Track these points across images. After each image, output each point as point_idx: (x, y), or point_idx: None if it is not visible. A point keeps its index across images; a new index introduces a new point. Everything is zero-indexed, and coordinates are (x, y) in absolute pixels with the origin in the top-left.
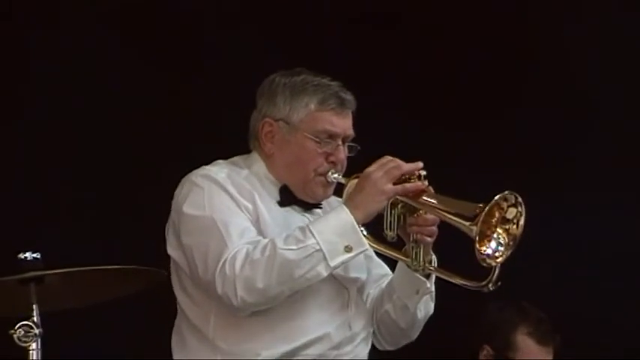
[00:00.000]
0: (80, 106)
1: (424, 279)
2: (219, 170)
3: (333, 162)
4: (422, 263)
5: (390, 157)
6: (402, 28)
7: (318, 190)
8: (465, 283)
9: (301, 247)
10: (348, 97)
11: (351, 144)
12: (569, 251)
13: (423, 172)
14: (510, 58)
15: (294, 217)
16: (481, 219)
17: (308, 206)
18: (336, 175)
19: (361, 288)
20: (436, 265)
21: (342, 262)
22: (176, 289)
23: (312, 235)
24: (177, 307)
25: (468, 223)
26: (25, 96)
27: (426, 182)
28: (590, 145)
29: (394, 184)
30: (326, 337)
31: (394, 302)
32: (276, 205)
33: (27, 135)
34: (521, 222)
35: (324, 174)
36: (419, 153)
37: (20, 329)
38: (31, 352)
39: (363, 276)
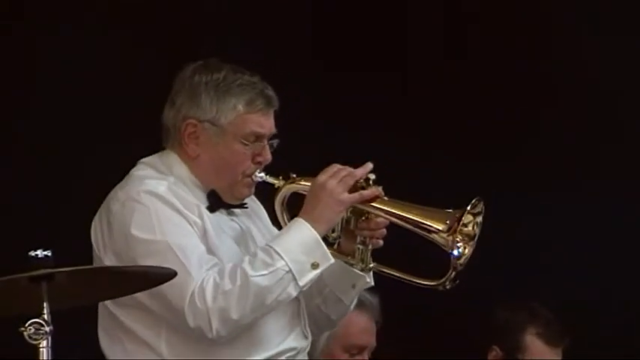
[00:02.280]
0: (87, 104)
1: (362, 274)
2: (157, 183)
3: (259, 162)
4: (368, 263)
5: (338, 166)
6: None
7: (244, 191)
8: (418, 281)
9: (272, 272)
10: (272, 93)
11: (271, 140)
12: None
13: (372, 176)
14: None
15: (225, 222)
16: (458, 229)
17: (231, 207)
18: (262, 175)
19: None
20: (373, 263)
21: (311, 280)
22: (111, 305)
23: (280, 256)
24: (110, 318)
25: (444, 235)
26: (35, 93)
27: (380, 188)
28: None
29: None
30: (290, 349)
31: (325, 296)
32: (207, 211)
33: (37, 132)
34: (475, 227)
35: (251, 175)
36: (417, 160)
37: (30, 327)
38: (41, 349)
39: None
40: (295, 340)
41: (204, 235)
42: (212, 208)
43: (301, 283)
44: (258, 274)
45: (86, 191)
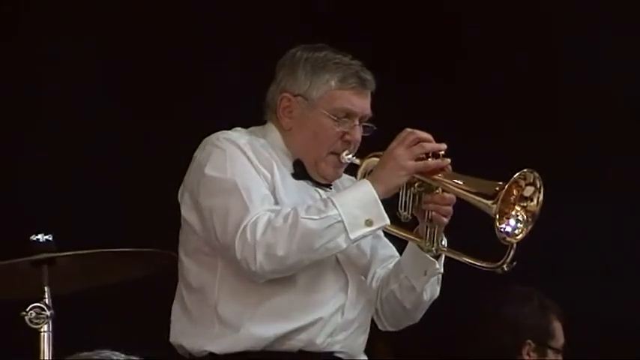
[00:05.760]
0: (90, 94)
1: (433, 260)
2: (240, 136)
3: (347, 141)
4: (435, 244)
5: (411, 132)
6: None
7: (329, 170)
8: (478, 263)
9: (323, 218)
10: (369, 77)
11: (367, 124)
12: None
13: (444, 148)
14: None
15: (308, 189)
16: (501, 197)
17: (316, 184)
18: (350, 156)
19: (365, 268)
20: (446, 246)
21: (363, 236)
22: (181, 253)
23: (335, 206)
24: (180, 276)
25: (488, 202)
26: (35, 83)
27: (448, 160)
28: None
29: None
30: (319, 321)
31: (401, 282)
32: (290, 177)
33: (39, 119)
34: (540, 198)
35: (338, 153)
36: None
37: (32, 311)
38: (42, 333)
39: (364, 260)
40: (331, 315)
41: (273, 191)
42: (296, 175)
43: (352, 236)
44: (309, 217)
45: (87, 176)
